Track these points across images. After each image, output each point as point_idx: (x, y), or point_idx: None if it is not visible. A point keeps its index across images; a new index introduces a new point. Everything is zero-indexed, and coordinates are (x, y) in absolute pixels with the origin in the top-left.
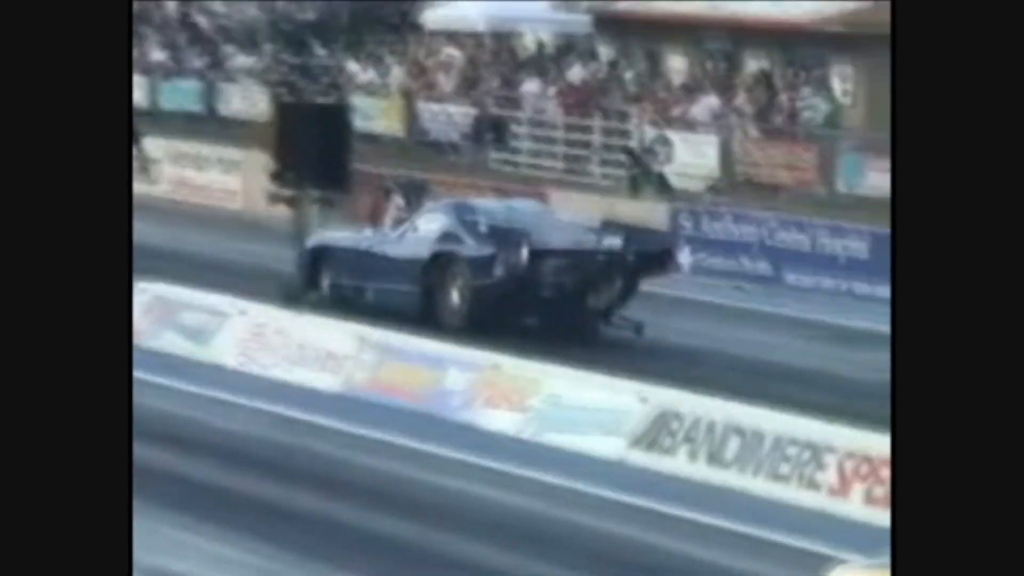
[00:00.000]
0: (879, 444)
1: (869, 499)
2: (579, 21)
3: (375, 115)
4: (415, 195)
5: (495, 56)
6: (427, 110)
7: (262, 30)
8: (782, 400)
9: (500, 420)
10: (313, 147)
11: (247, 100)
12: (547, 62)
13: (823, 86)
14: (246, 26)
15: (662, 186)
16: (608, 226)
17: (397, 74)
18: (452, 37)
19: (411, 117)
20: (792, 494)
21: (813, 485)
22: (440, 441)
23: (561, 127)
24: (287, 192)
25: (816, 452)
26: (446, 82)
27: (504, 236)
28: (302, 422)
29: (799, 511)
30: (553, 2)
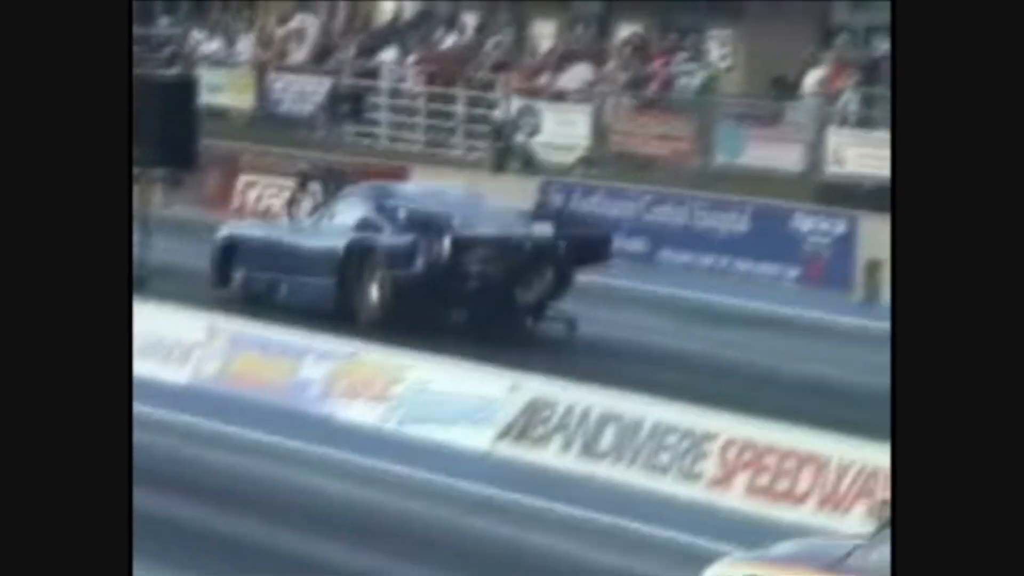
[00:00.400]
0: (762, 432)
1: (752, 489)
2: None
3: (223, 87)
4: (333, 182)
5: (350, 24)
6: (278, 81)
7: None
8: (659, 386)
9: (360, 411)
10: (157, 122)
11: None
12: (407, 29)
13: (699, 52)
14: None
15: (528, 160)
16: (540, 213)
17: (246, 44)
18: (304, 3)
19: (261, 89)
20: (671, 486)
21: (693, 476)
22: (296, 435)
23: (422, 98)
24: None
25: (696, 441)
26: (298, 52)
27: (425, 224)
28: (147, 417)
29: (678, 503)
30: None
